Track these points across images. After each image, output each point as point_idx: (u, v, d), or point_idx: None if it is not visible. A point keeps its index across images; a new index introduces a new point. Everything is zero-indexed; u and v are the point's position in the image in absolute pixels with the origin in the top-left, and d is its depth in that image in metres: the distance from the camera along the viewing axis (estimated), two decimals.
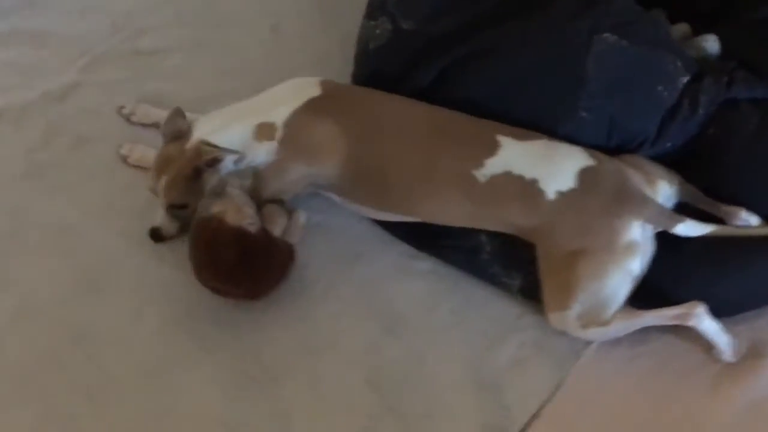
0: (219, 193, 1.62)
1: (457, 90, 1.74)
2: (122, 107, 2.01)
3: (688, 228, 1.60)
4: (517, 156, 1.59)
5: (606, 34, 1.67)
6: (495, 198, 1.60)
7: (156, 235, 1.75)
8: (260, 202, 1.77)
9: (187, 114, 1.76)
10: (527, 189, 1.57)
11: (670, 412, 1.57)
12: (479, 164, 1.59)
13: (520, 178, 1.57)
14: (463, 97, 1.73)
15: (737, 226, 1.63)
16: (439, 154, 1.62)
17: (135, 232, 1.81)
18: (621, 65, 1.67)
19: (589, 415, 1.59)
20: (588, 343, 1.67)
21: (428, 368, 1.66)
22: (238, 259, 1.57)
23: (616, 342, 1.65)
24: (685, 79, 1.69)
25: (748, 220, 1.64)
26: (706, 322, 1.56)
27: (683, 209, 1.67)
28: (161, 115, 1.96)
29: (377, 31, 1.87)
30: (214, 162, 1.65)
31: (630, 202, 1.57)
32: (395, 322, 1.71)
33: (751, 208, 1.64)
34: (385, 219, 1.78)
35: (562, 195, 1.56)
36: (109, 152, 1.95)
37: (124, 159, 1.93)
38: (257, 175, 1.74)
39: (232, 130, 1.68)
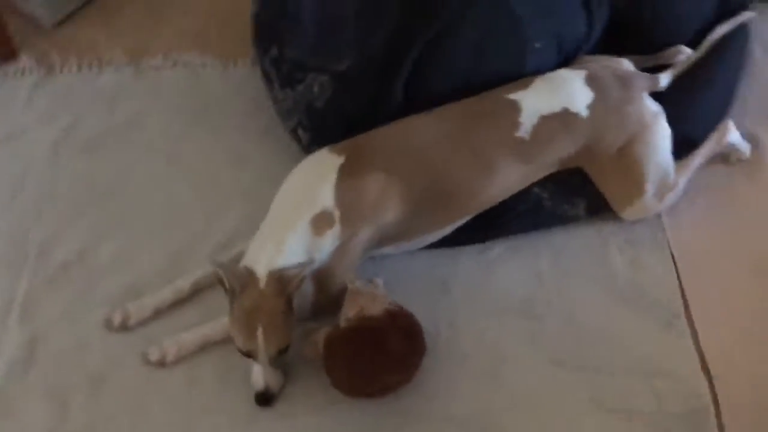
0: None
1: (431, 89, 1.78)
2: (109, 320, 1.72)
3: (664, 79, 1.84)
4: (537, 100, 1.69)
5: None
6: (545, 144, 1.69)
7: (267, 397, 1.57)
8: (332, 298, 1.66)
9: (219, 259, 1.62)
10: (566, 119, 1.68)
11: (747, 195, 1.87)
12: (517, 125, 1.67)
13: (554, 115, 1.68)
14: (439, 92, 1.77)
15: (685, 59, 1.90)
16: (482, 140, 1.66)
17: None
18: None
19: (712, 249, 1.79)
20: (657, 215, 1.84)
21: (581, 319, 1.71)
22: (407, 342, 1.47)
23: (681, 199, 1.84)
24: None
25: (686, 51, 1.93)
26: (735, 133, 1.83)
27: None
28: (156, 298, 1.75)
29: (315, 90, 1.84)
30: (301, 283, 1.52)
31: (633, 81, 1.76)
32: (526, 306, 1.74)
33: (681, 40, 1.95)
34: (443, 235, 1.78)
35: (591, 108, 1.70)
36: (139, 373, 1.66)
37: (161, 363, 1.66)
38: (322, 272, 1.62)
39: (291, 242, 1.55)
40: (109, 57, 2.25)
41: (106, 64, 2.24)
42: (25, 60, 2.23)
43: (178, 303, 1.77)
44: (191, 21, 2.36)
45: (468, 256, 1.82)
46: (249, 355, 1.54)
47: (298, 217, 1.57)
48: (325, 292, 1.65)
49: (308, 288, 1.64)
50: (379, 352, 1.45)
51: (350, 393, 1.54)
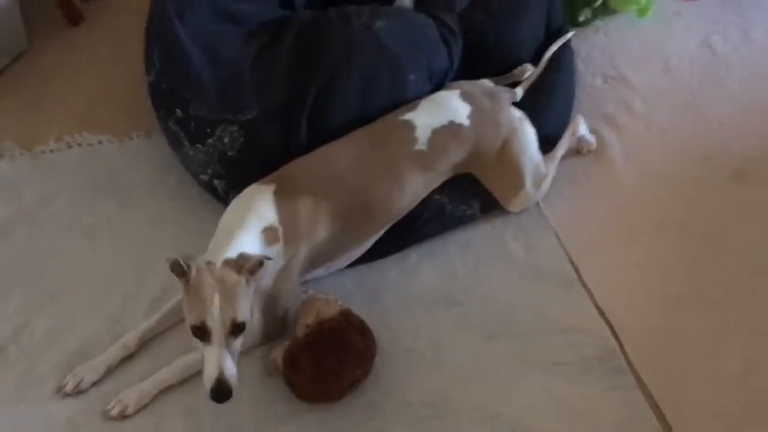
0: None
1: (331, 125, 2.01)
2: (62, 387, 1.76)
3: (519, 92, 2.20)
4: (426, 117, 1.97)
5: (378, 23, 2.11)
6: (440, 153, 1.96)
7: (223, 387, 1.50)
8: (279, 321, 1.81)
9: None
10: (453, 129, 1.97)
11: (600, 176, 2.24)
12: (414, 140, 1.93)
13: (443, 127, 1.96)
14: (339, 126, 2.01)
15: (530, 74, 2.28)
16: (389, 157, 1.90)
17: None
18: (402, 32, 2.14)
19: (586, 223, 2.12)
20: (537, 205, 2.16)
21: (496, 298, 1.96)
22: (362, 336, 1.64)
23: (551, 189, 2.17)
24: (419, 20, 2.23)
25: (530, 68, 2.31)
26: (584, 127, 2.20)
27: None
28: (106, 357, 1.81)
29: (226, 140, 2.01)
30: (259, 266, 1.60)
31: (498, 94, 2.09)
32: (448, 298, 1.97)
33: (523, 61, 2.32)
34: (366, 249, 1.98)
35: (471, 117, 2.00)
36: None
37: (123, 416, 1.71)
38: (268, 297, 1.76)
39: (245, 240, 1.67)
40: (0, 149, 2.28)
41: None
42: None
43: (128, 358, 1.82)
44: (73, 106, 2.44)
45: (390, 266, 2.03)
46: (202, 331, 1.52)
47: (250, 226, 1.71)
48: (272, 316, 1.80)
49: (256, 314, 1.77)
50: (343, 349, 1.61)
51: (319, 397, 1.67)
